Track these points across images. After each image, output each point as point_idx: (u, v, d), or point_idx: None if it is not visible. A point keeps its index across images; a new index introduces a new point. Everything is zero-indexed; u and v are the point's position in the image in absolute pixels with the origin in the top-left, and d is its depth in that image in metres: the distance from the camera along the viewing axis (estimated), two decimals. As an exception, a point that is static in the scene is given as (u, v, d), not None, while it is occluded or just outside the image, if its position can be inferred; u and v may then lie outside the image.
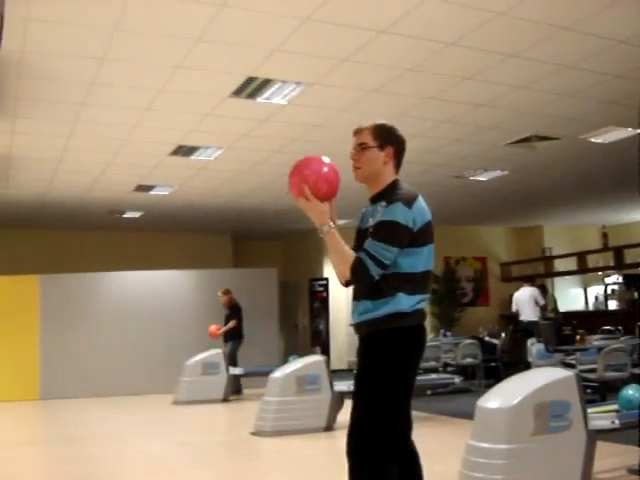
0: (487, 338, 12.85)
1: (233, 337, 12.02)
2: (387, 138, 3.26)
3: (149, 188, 11.74)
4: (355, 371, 3.24)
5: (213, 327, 12.02)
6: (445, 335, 13.98)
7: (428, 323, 16.69)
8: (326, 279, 17.41)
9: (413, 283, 3.09)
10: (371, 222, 3.16)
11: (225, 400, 11.40)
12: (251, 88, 7.02)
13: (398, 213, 3.05)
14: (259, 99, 7.34)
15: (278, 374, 8.08)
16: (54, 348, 12.77)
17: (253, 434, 7.85)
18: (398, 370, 3.08)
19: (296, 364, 8.27)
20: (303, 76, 6.80)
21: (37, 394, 12.52)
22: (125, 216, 14.17)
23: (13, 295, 12.82)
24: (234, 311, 12.09)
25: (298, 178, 3.18)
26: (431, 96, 7.48)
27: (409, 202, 3.09)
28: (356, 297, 3.21)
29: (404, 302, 3.06)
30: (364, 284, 3.09)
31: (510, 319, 14.42)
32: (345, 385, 7.95)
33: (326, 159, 3.23)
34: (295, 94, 7.23)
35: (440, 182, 11.94)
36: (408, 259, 3.08)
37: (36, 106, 7.37)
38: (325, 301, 17.58)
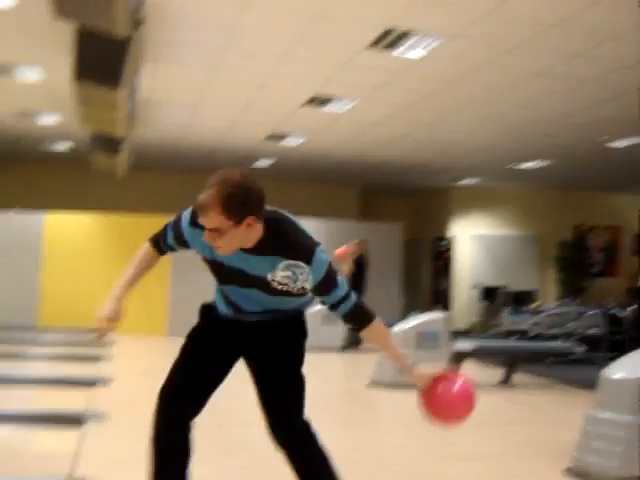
0: (614, 310, 12.44)
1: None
2: (242, 211, 2.56)
3: (281, 137, 11.90)
4: (254, 359, 3.25)
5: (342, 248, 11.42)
6: (570, 305, 13.62)
7: (552, 291, 16.39)
8: (450, 239, 17.25)
9: None
10: (280, 278, 2.73)
11: (343, 350, 11.55)
12: (389, 40, 6.95)
13: (325, 260, 2.73)
14: (396, 52, 7.27)
15: (398, 329, 8.11)
16: (184, 286, 13.19)
17: (369, 385, 7.94)
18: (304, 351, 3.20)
19: (416, 320, 8.29)
20: (442, 28, 6.66)
21: (165, 330, 13.08)
22: (256, 165, 14.42)
23: (147, 233, 13.32)
24: (360, 262, 11.80)
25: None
26: (576, 54, 7.19)
27: (317, 244, 2.75)
28: (267, 310, 3.04)
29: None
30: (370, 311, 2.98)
31: (639, 293, 13.88)
32: (465, 344, 7.96)
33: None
34: (433, 47, 7.11)
35: (577, 146, 11.54)
36: None
37: (177, 51, 7.57)
38: (448, 261, 17.44)
